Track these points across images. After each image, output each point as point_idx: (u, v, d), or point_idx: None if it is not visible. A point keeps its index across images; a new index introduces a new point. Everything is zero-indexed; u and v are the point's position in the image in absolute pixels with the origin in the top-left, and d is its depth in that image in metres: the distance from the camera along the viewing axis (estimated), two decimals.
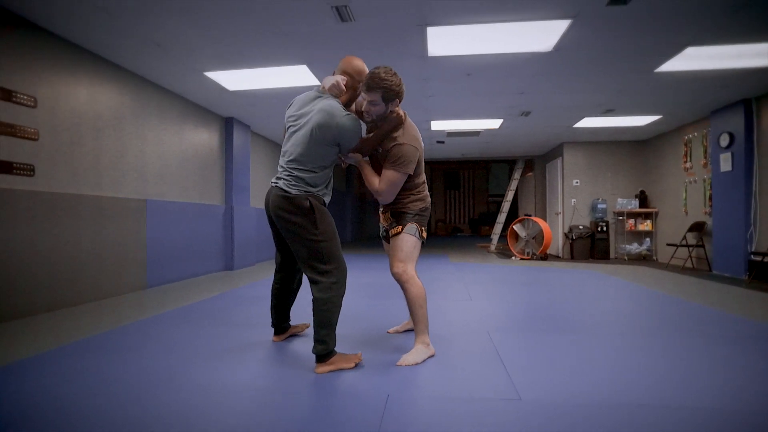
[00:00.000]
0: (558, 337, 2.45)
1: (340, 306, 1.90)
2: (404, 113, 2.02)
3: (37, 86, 3.05)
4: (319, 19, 3.01)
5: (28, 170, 2.97)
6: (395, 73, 1.89)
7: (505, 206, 10.14)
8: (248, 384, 1.76)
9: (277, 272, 2.26)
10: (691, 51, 3.55)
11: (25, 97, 2.95)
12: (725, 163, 5.25)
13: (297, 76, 4.13)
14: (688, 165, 6.22)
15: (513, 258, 7.49)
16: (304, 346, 2.24)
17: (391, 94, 1.87)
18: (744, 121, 4.98)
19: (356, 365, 1.91)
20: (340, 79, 1.97)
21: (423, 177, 2.15)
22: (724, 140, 5.24)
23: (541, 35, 3.27)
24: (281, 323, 2.34)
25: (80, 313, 3.07)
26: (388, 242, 2.20)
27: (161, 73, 4.10)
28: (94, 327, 2.66)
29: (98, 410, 1.49)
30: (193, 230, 5.01)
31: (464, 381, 1.79)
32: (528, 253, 7.44)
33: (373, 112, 1.94)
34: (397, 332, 2.51)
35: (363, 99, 1.95)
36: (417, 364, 1.96)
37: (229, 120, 5.81)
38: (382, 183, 1.97)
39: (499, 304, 3.49)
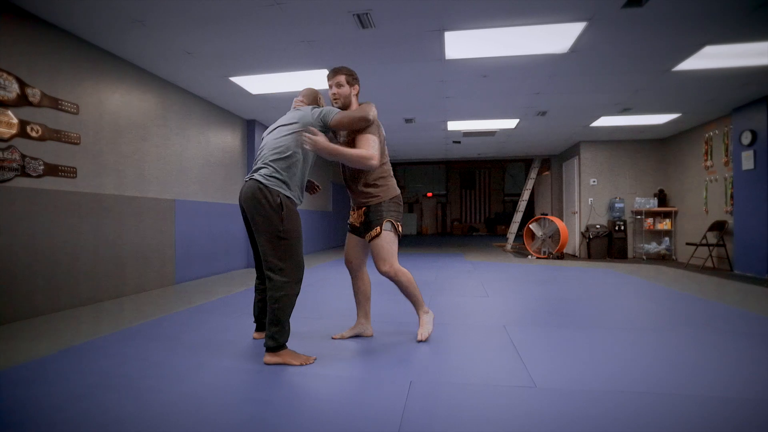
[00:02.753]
0: (573, 332, 2.53)
1: (292, 305, 1.94)
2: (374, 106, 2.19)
3: (79, 94, 3.27)
4: (341, 27, 3.14)
5: (72, 172, 3.19)
6: None
7: (522, 205, 10.13)
8: (278, 368, 1.90)
9: (257, 268, 2.28)
10: (709, 50, 3.55)
11: (69, 104, 3.17)
12: (747, 161, 5.19)
13: (318, 80, 4.27)
14: (708, 163, 6.15)
15: (529, 257, 7.51)
16: (335, 335, 2.38)
17: (351, 79, 2.21)
18: (767, 118, 4.92)
19: (303, 365, 1.93)
20: (301, 98, 2.31)
21: (387, 168, 2.25)
22: (746, 138, 5.17)
23: (556, 38, 3.33)
24: (263, 319, 2.31)
25: (117, 305, 3.29)
26: (357, 235, 2.30)
27: (190, 79, 4.31)
28: (134, 318, 2.86)
29: (152, 390, 1.66)
30: (217, 229, 5.22)
31: (482, 370, 1.89)
32: (544, 252, 7.44)
33: (340, 94, 2.18)
34: (343, 338, 2.40)
35: (330, 88, 2.20)
36: (431, 332, 2.32)
37: (251, 122, 6.02)
38: (369, 149, 2.05)
39: (515, 301, 3.57)
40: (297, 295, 1.97)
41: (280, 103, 5.15)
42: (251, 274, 5.21)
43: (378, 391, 1.67)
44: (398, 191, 2.25)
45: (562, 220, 8.55)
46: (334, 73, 2.20)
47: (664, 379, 1.78)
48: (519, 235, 10.40)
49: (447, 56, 3.71)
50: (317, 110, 2.11)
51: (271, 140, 2.07)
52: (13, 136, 2.75)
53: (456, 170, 19.53)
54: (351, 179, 2.24)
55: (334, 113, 2.10)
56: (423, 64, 3.89)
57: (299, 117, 2.09)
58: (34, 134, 2.89)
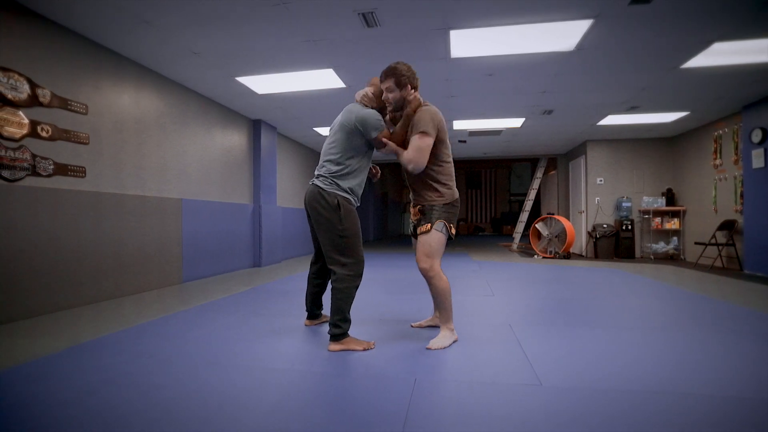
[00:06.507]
0: (579, 331, 2.51)
1: (353, 296, 2.13)
2: (422, 99, 2.20)
3: (88, 94, 3.31)
4: (346, 26, 3.15)
5: (81, 172, 3.22)
6: (405, 64, 2.16)
7: (528, 205, 10.08)
8: (286, 366, 1.91)
9: (313, 263, 2.50)
10: (718, 46, 3.51)
11: (78, 104, 3.21)
12: (757, 159, 5.12)
13: (323, 79, 4.29)
14: (717, 162, 6.08)
15: (535, 256, 7.47)
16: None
17: (402, 79, 2.13)
18: None
19: (365, 350, 2.10)
20: (368, 89, 2.28)
21: (450, 169, 2.24)
22: (757, 136, 5.11)
23: (562, 35, 3.31)
24: (314, 310, 2.58)
25: (124, 303, 3.32)
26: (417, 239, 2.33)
27: (196, 79, 4.34)
28: (141, 316, 2.88)
29: (160, 387, 1.67)
30: (224, 228, 5.26)
31: (487, 368, 1.89)
32: (551, 252, 7.40)
33: (391, 98, 2.18)
34: (421, 327, 2.58)
35: (383, 91, 2.20)
36: (444, 347, 2.15)
37: (257, 122, 6.05)
38: (409, 151, 2.10)
39: (520, 300, 3.55)
40: (357, 287, 2.15)
41: (285, 102, 5.17)
42: (258, 274, 5.24)
43: (383, 388, 1.67)
44: (456, 196, 2.24)
45: (569, 219, 8.50)
46: (383, 77, 2.17)
47: (671, 378, 1.76)
48: (525, 235, 10.35)
49: (452, 55, 3.70)
50: (358, 118, 2.13)
51: (325, 146, 2.23)
52: (24, 136, 2.79)
53: (461, 170, 19.47)
54: (413, 178, 2.23)
55: (375, 130, 2.12)
56: (428, 62, 3.89)
57: (344, 121, 2.16)
58: (44, 134, 2.93)
